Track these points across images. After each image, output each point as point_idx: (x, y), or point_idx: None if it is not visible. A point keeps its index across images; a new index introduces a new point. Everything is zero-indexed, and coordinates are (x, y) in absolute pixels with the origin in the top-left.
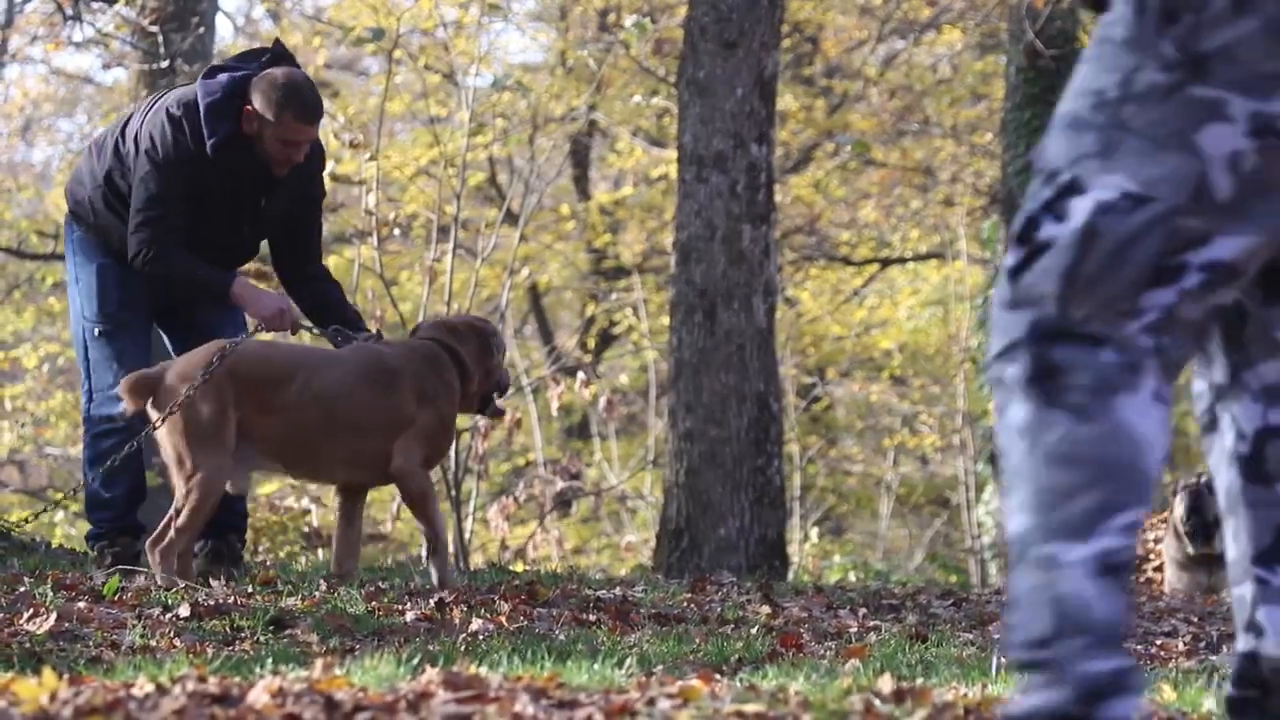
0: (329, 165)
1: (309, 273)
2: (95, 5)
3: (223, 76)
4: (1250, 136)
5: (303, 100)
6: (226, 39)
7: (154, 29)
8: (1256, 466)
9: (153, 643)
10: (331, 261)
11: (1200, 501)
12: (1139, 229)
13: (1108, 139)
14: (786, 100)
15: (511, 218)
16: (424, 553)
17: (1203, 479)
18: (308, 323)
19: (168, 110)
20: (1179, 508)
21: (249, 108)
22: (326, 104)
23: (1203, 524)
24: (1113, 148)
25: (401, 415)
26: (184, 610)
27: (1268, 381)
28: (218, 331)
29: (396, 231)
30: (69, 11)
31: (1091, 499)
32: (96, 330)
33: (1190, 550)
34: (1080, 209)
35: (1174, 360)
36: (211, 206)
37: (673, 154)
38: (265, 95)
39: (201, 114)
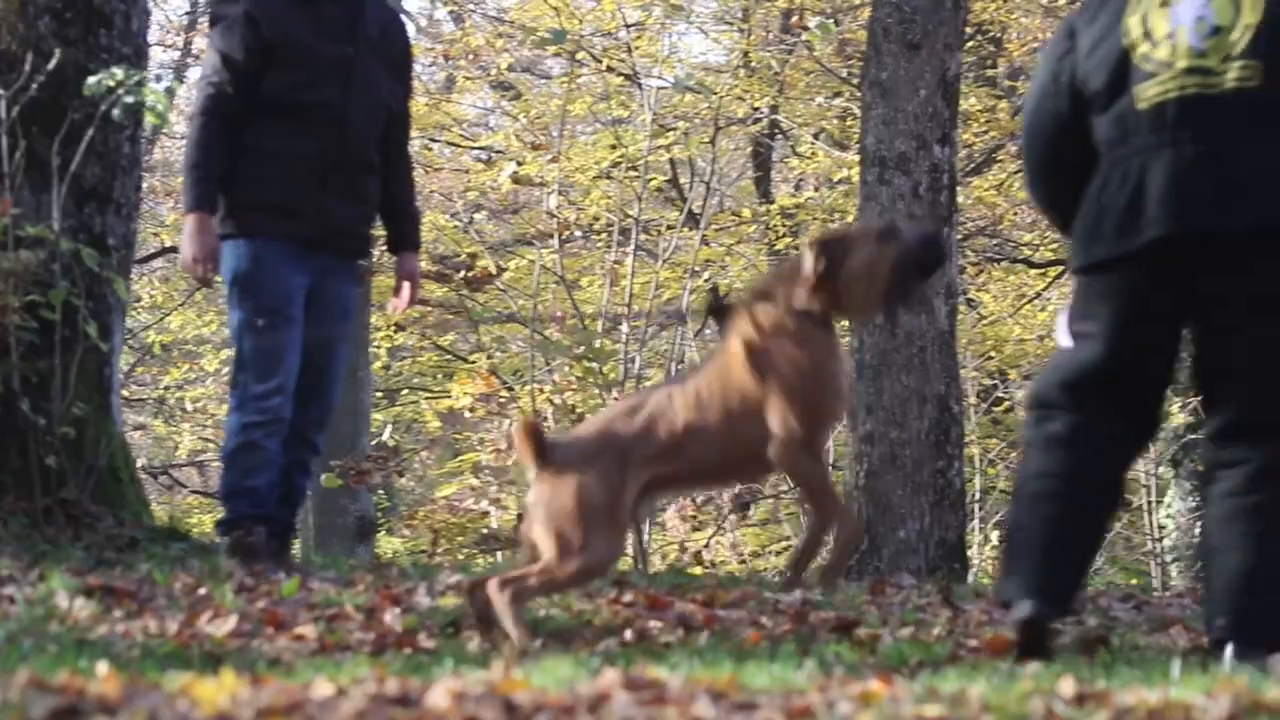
0: (510, 167)
1: (393, 176)
2: None
3: None
4: None
5: None
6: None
7: None
8: None
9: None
10: (513, 264)
11: None
12: None
13: None
14: (969, 102)
15: (693, 220)
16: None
17: None
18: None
19: None
20: None
21: None
22: (508, 105)
23: None
24: None
25: None
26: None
27: None
28: (343, 303)
29: (578, 234)
30: None
31: None
32: (260, 322)
33: None
34: None
35: None
36: (304, 39)
37: (855, 156)
38: None
39: None
